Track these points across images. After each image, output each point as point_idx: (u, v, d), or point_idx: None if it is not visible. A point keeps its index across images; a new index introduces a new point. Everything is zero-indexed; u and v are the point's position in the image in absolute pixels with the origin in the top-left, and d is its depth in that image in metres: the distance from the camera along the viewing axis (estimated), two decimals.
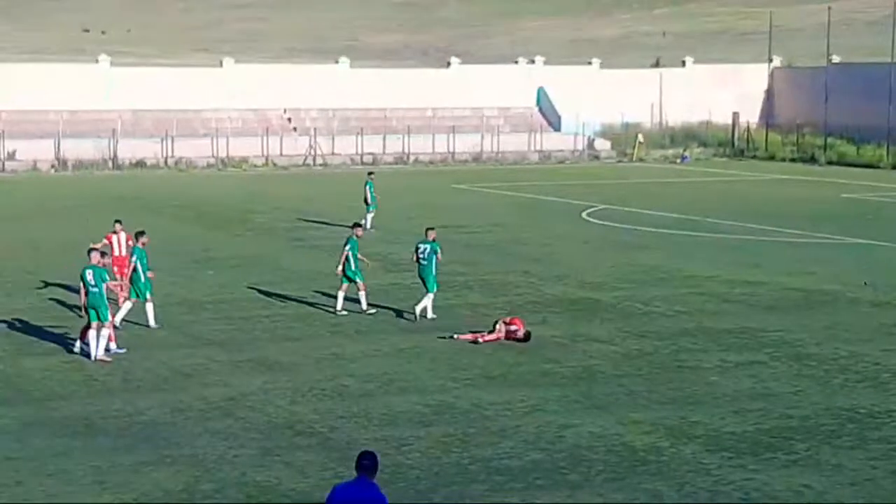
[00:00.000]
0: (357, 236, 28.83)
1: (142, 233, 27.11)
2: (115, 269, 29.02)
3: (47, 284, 32.11)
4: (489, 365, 23.79)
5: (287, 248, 39.84)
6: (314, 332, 26.72)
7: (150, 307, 26.79)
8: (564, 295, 31.21)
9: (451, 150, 76.62)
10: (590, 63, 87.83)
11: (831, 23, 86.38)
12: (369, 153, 74.76)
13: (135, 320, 26.66)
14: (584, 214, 48.97)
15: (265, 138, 72.96)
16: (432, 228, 28.87)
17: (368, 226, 42.89)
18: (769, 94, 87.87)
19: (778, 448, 18.68)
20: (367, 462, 12.07)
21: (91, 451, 18.34)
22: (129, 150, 70.42)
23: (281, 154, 73.45)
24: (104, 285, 23.91)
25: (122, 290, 26.60)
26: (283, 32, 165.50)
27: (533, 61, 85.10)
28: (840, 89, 79.67)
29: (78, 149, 69.18)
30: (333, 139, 74.74)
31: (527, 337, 25.53)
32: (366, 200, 44.38)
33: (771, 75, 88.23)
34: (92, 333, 23.85)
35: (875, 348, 25.48)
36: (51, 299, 30.36)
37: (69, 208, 50.63)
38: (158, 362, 23.80)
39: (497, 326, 25.84)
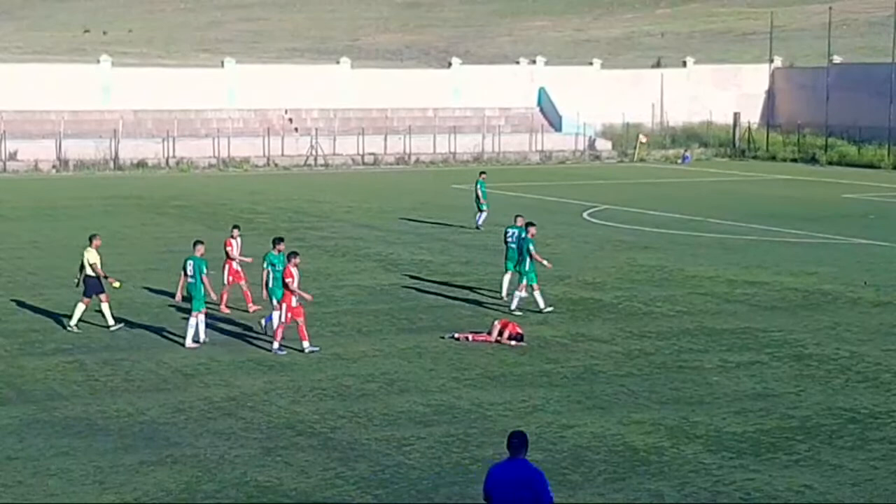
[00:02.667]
0: (531, 235, 28.92)
1: (280, 239, 26.70)
2: (231, 278, 28.67)
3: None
4: (490, 365, 23.79)
5: (288, 248, 39.70)
6: (315, 332, 26.67)
7: (276, 314, 26.21)
8: (565, 295, 31.19)
9: (452, 150, 76.66)
10: (591, 63, 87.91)
11: (832, 23, 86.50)
12: (370, 153, 74.82)
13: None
14: (585, 215, 48.98)
15: (266, 139, 73.01)
16: (521, 215, 30.95)
17: (480, 224, 43.48)
18: (770, 95, 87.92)
19: (779, 448, 18.68)
20: (516, 441, 12.40)
21: (92, 451, 18.34)
22: (131, 150, 70.48)
23: (282, 154, 73.52)
24: (202, 277, 25.07)
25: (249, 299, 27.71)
26: (284, 33, 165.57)
27: (534, 61, 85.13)
28: (841, 89, 79.73)
29: (79, 149, 69.25)
30: (335, 139, 74.79)
31: (520, 338, 25.53)
32: (477, 200, 44.19)
33: (772, 75, 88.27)
34: (192, 321, 25.05)
35: (876, 348, 25.48)
36: (52, 299, 30.35)
37: (70, 209, 50.64)
38: (159, 362, 23.82)
39: (491, 329, 25.88)
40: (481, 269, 35.18)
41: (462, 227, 44.80)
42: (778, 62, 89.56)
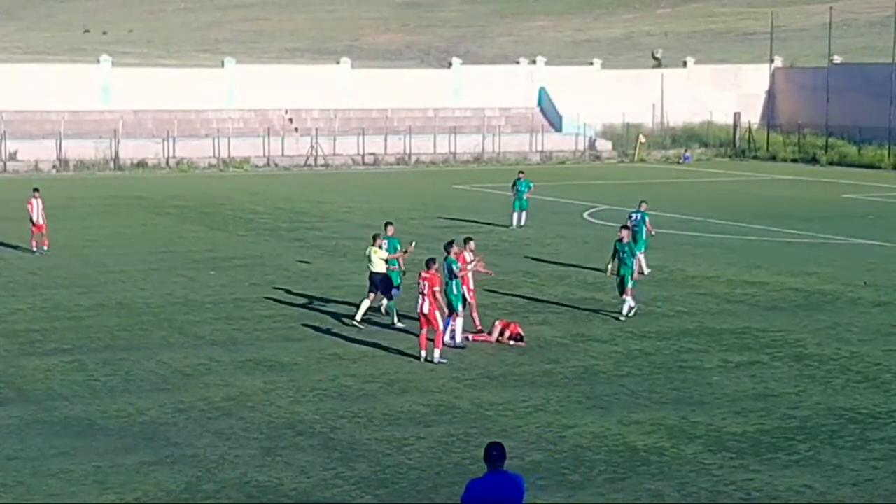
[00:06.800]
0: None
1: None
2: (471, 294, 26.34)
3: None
4: (490, 365, 23.79)
5: (289, 248, 39.82)
6: (315, 332, 26.72)
7: (459, 322, 25.39)
8: (565, 295, 31.21)
9: (453, 150, 76.67)
10: (591, 63, 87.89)
11: (833, 23, 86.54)
12: (370, 153, 74.83)
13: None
14: (585, 215, 48.98)
15: (266, 139, 73.03)
16: (645, 201, 35.22)
17: (523, 223, 44.18)
18: (770, 95, 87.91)
19: (779, 448, 18.68)
20: (495, 453, 12.10)
21: (92, 452, 18.34)
22: (131, 150, 70.51)
23: (282, 154, 73.54)
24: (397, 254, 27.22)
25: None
26: (284, 33, 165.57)
27: (534, 61, 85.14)
28: (841, 90, 79.73)
29: (79, 149, 69.27)
30: (335, 139, 74.81)
31: (520, 338, 25.51)
32: (518, 199, 44.72)
33: (772, 76, 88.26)
34: (394, 293, 26.98)
35: (876, 348, 25.48)
36: (52, 299, 30.34)
37: (70, 209, 50.63)
38: (159, 362, 23.81)
39: (492, 329, 25.86)
40: None
41: (462, 226, 44.81)
42: (778, 62, 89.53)
